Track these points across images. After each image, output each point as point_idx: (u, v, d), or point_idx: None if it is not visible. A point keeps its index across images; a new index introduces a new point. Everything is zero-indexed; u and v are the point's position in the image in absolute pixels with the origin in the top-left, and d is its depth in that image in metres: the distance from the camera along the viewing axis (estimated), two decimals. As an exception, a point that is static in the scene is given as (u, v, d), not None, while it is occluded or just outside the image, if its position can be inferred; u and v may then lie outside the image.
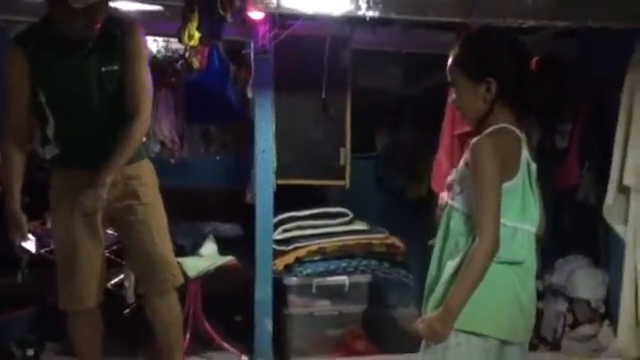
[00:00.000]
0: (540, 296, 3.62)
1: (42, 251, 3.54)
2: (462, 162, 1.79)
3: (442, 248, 1.79)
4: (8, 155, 2.41)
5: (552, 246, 3.79)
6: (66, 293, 2.48)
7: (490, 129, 1.73)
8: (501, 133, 1.72)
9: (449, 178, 1.84)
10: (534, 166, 1.79)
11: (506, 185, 1.69)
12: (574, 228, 3.75)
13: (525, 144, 1.76)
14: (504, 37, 1.85)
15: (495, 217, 1.66)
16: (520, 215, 1.73)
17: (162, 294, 2.55)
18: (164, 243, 2.56)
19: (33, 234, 3.69)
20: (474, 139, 1.73)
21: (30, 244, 2.48)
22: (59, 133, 2.49)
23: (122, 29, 2.40)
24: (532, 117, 3.85)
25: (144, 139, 2.64)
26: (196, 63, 3.54)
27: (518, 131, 1.75)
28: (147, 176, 2.56)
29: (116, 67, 2.38)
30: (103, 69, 2.37)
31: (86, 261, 2.45)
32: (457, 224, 1.76)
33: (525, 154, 1.75)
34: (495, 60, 1.74)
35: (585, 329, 3.51)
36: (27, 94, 2.39)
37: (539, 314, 3.57)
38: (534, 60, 1.76)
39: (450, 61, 1.79)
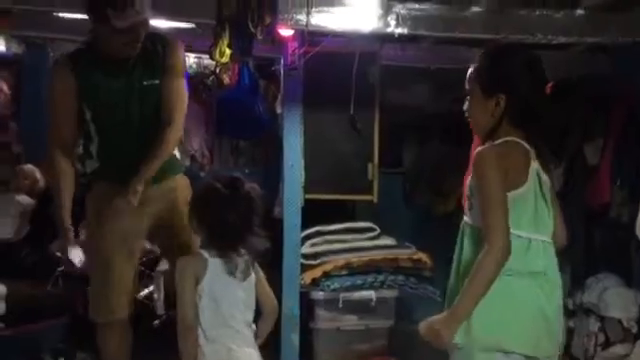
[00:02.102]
0: (571, 315, 3.57)
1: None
2: (470, 176, 1.80)
3: (458, 264, 1.80)
4: (58, 169, 2.48)
5: (583, 264, 3.73)
6: (98, 304, 2.52)
7: (497, 142, 1.75)
8: (505, 144, 1.74)
9: None
10: (546, 177, 1.79)
11: (514, 193, 1.70)
12: (606, 246, 3.69)
13: (535, 156, 1.76)
14: (524, 55, 1.85)
15: (501, 223, 1.65)
16: (533, 225, 1.73)
17: None
18: None
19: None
20: (478, 149, 1.75)
21: (77, 255, 2.53)
22: (102, 148, 2.54)
23: (163, 45, 2.46)
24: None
25: (178, 155, 2.68)
26: (226, 79, 3.61)
27: (526, 145, 1.76)
28: (183, 189, 2.61)
29: (157, 82, 2.45)
30: (145, 83, 2.44)
31: (119, 274, 2.50)
32: (470, 239, 1.77)
33: (535, 165, 1.76)
34: (508, 77, 1.76)
35: (617, 349, 3.43)
36: (73, 111, 2.45)
37: (570, 333, 3.53)
38: (549, 85, 1.79)
39: (470, 71, 1.84)
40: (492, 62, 1.80)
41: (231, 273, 2.02)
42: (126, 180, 2.39)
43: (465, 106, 1.86)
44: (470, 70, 1.84)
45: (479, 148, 1.75)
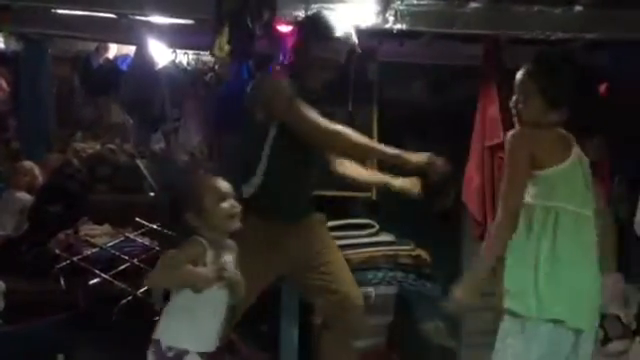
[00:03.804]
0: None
1: (74, 259, 3.63)
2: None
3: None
4: None
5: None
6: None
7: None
8: (537, 129, 1.97)
9: None
10: (586, 160, 2.08)
11: (549, 171, 1.95)
12: (604, 242, 3.69)
13: (574, 143, 2.02)
14: (574, 65, 2.04)
15: (513, 203, 1.94)
16: (577, 200, 1.99)
17: None
18: None
19: (66, 243, 3.80)
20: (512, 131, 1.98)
21: None
22: (269, 170, 2.45)
23: None
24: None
25: None
26: (225, 75, 3.60)
27: (563, 131, 2.01)
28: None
29: None
30: None
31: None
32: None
33: (576, 149, 2.03)
34: (566, 89, 1.98)
35: (616, 345, 3.44)
36: None
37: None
38: (603, 86, 2.07)
39: (526, 75, 2.01)
40: (551, 69, 1.99)
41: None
42: (283, 216, 2.40)
43: (513, 101, 2.05)
44: (523, 75, 2.02)
45: (512, 131, 1.99)
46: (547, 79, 1.97)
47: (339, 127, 2.32)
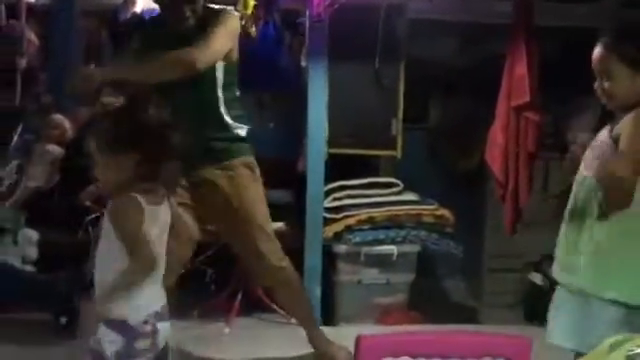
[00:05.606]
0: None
1: (104, 211, 3.71)
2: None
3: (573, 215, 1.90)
4: None
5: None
6: None
7: None
8: None
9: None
10: None
11: None
12: None
13: None
14: None
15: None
16: None
17: None
18: None
19: (96, 195, 3.88)
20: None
21: None
22: None
23: (218, 16, 2.49)
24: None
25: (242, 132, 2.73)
26: (253, 31, 3.57)
27: None
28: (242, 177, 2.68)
29: None
30: None
31: None
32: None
33: None
34: None
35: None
36: None
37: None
38: None
39: (604, 48, 1.82)
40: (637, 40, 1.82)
41: None
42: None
43: (599, 84, 1.85)
44: (604, 47, 1.83)
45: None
46: (629, 44, 1.80)
47: None
